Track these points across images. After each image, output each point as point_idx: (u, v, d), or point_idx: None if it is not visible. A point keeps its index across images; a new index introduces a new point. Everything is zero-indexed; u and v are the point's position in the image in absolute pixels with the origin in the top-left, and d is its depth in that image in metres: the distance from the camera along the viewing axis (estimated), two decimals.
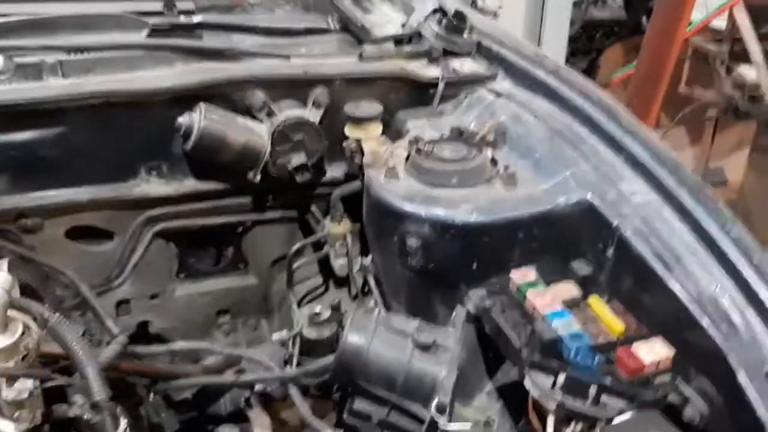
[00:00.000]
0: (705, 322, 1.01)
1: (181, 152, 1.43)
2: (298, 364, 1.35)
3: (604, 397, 1.02)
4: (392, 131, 1.58)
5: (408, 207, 1.24)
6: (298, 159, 1.44)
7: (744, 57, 3.01)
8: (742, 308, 1.00)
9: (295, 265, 1.53)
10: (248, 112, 1.44)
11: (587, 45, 4.38)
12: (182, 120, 1.36)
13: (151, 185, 1.46)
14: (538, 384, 1.05)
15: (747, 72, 2.92)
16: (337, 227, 1.55)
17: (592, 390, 1.01)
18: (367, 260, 1.46)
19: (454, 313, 1.25)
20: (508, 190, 1.28)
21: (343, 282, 1.58)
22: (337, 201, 1.55)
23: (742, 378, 0.94)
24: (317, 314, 1.37)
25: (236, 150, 1.39)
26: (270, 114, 1.43)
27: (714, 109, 3.26)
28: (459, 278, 1.26)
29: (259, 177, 1.43)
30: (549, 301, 1.13)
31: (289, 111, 1.44)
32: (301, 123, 1.44)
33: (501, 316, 1.17)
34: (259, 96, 1.43)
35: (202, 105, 1.37)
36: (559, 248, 1.25)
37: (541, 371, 1.06)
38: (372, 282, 1.44)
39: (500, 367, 1.31)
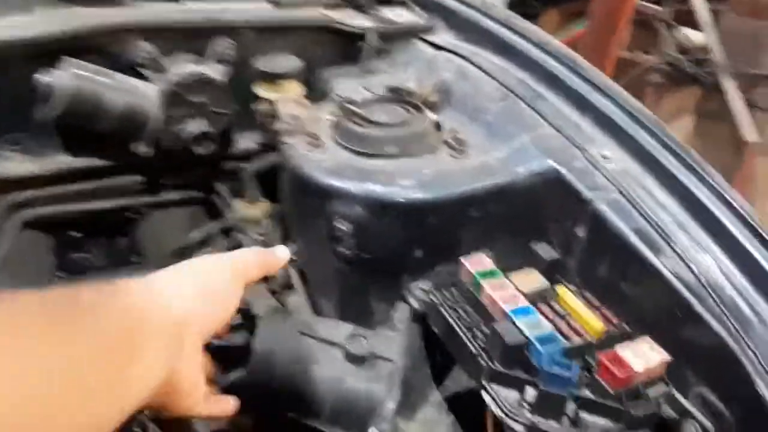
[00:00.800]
0: (707, 315, 0.81)
1: (48, 121, 1.14)
2: None
3: (583, 415, 0.82)
4: (315, 93, 1.33)
5: (336, 183, 1.00)
6: (197, 126, 1.17)
7: (688, 19, 2.88)
8: (754, 297, 0.81)
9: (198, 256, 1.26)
10: (132, 69, 1.16)
11: (522, 10, 4.20)
12: (41, 79, 1.06)
13: (11, 163, 1.16)
14: (500, 400, 0.84)
15: (692, 34, 2.79)
16: (251, 209, 1.29)
17: (570, 407, 0.81)
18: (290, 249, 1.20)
19: (394, 311, 1.02)
20: (456, 160, 1.05)
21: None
22: (250, 177, 1.29)
23: (762, 386, 0.74)
24: None
25: (115, 116, 1.10)
26: (160, 70, 1.15)
27: (657, 74, 3.14)
28: (400, 268, 1.03)
29: (147, 149, 1.15)
30: (510, 294, 0.91)
31: (185, 66, 1.17)
32: (201, 81, 1.17)
33: (452, 313, 0.94)
34: (144, 48, 1.15)
35: (67, 60, 1.08)
36: (519, 228, 1.03)
37: (504, 384, 0.85)
38: (295, 276, 1.19)
39: (449, 373, 1.09)
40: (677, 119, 3.12)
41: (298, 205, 1.09)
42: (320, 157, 1.05)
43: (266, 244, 1.24)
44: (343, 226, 0.99)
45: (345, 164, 1.03)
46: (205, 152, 1.17)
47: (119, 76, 1.13)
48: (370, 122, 1.09)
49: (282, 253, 0.87)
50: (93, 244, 1.35)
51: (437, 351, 1.06)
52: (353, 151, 1.05)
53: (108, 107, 1.09)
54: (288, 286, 1.24)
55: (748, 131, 2.80)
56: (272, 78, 1.18)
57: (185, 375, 0.68)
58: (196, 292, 0.70)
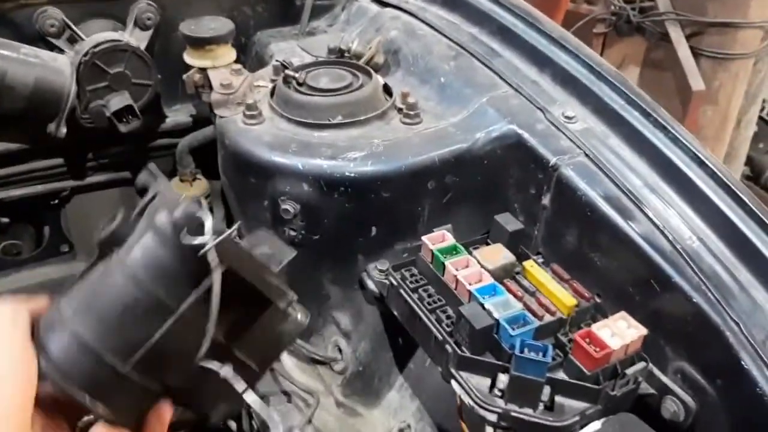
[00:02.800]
0: (684, 284, 0.75)
1: None
2: None
3: (559, 398, 0.76)
4: (251, 59, 1.22)
5: (278, 159, 0.90)
6: (119, 101, 1.05)
7: None
8: (733, 263, 0.76)
9: None
10: (42, 40, 1.03)
11: None
12: None
13: None
14: (471, 387, 0.77)
15: None
16: (188, 189, 1.19)
17: (545, 391, 0.75)
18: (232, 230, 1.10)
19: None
20: (409, 127, 0.96)
21: None
22: (184, 154, 1.18)
23: (746, 358, 0.69)
24: None
25: (23, 94, 0.98)
26: (72, 40, 1.02)
27: (602, 24, 3.08)
28: (354, 249, 0.95)
29: (63, 130, 1.03)
30: (475, 272, 0.84)
31: (101, 34, 1.04)
32: (120, 49, 1.05)
33: (412, 295, 0.87)
34: (53, 15, 1.02)
35: None
36: (480, 199, 0.96)
37: (474, 371, 0.79)
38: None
39: (412, 356, 1.03)
40: (623, 69, 3.09)
41: (238, 184, 0.99)
42: (259, 130, 0.95)
43: None
44: (288, 207, 0.90)
45: (287, 137, 0.93)
46: (129, 129, 1.05)
47: (26, 48, 1.00)
48: (312, 88, 0.99)
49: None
50: (14, 235, 1.22)
51: (398, 335, 1.00)
52: (295, 122, 0.95)
53: (13, 84, 0.96)
54: None
55: (695, 80, 2.79)
56: (201, 43, 1.06)
57: None
58: None
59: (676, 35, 2.79)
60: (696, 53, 2.83)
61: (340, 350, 1.05)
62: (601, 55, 3.11)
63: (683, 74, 2.78)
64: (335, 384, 1.06)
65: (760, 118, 3.25)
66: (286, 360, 1.14)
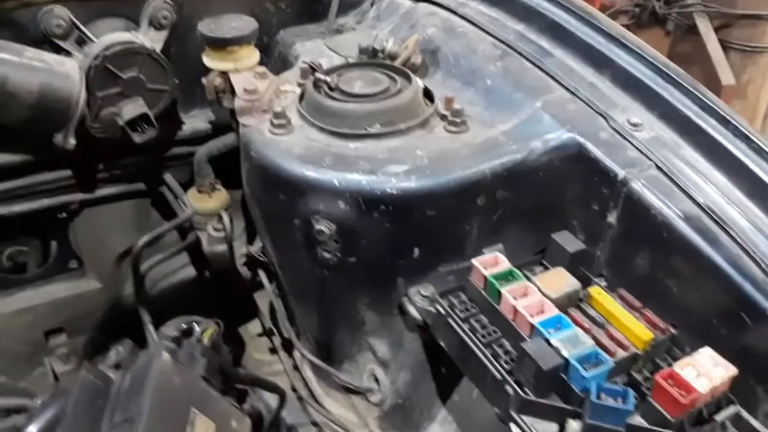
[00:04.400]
0: None
1: None
2: None
3: None
4: (274, 60, 1.13)
5: (310, 173, 0.81)
6: (133, 108, 0.96)
7: None
8: None
9: (147, 263, 1.05)
10: (48, 42, 0.94)
11: None
12: None
13: None
14: None
15: None
16: (206, 201, 1.10)
17: None
18: (255, 247, 1.02)
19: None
20: (455, 136, 0.86)
21: (225, 279, 1.11)
22: (203, 164, 1.09)
23: None
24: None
25: (27, 102, 0.88)
26: (81, 41, 0.93)
27: (624, 16, 2.97)
28: (394, 272, 0.86)
29: (72, 141, 0.94)
30: (536, 302, 0.75)
31: (112, 35, 0.95)
32: (134, 52, 0.95)
33: (463, 325, 0.78)
34: (60, 14, 0.93)
35: None
36: (533, 215, 0.86)
37: (539, 415, 0.70)
38: (265, 278, 1.00)
39: (456, 386, 0.94)
40: None
41: (265, 200, 0.90)
42: (289, 141, 0.85)
43: (226, 242, 1.05)
44: (323, 228, 0.80)
45: (320, 149, 0.84)
46: (144, 139, 0.96)
47: (30, 51, 0.90)
48: (346, 94, 0.89)
49: None
50: (20, 251, 1.13)
51: (441, 364, 0.90)
52: (328, 131, 0.86)
53: (17, 91, 0.87)
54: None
55: (725, 74, 2.68)
56: (222, 44, 0.97)
57: None
58: None
59: (705, 28, 2.68)
60: (725, 46, 2.72)
61: (376, 380, 0.96)
62: None
63: (711, 68, 2.68)
64: (371, 416, 0.97)
65: None
66: (316, 387, 1.05)
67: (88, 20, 0.97)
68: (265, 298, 1.10)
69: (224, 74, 0.98)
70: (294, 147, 0.84)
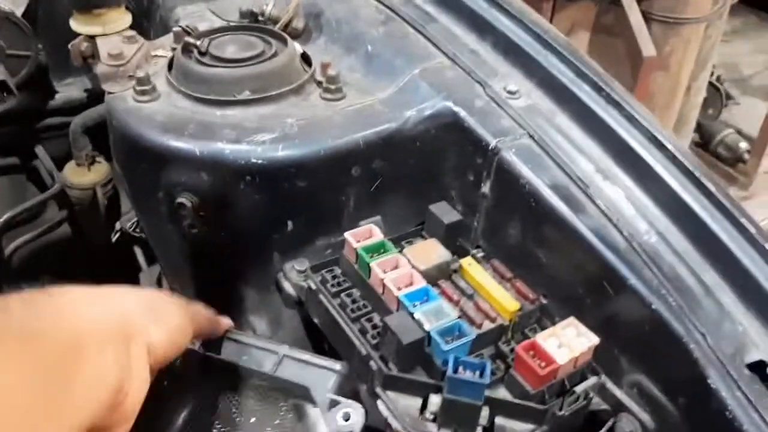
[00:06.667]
0: (641, 286, 0.65)
1: None
2: None
3: (500, 420, 0.66)
4: (155, 25, 1.06)
5: (171, 142, 0.76)
6: None
7: None
8: (699, 263, 0.66)
9: (16, 243, 0.99)
10: None
11: None
12: None
13: None
14: (398, 410, 0.66)
15: None
16: (84, 175, 1.04)
17: (484, 413, 0.64)
18: (127, 219, 0.97)
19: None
20: (330, 104, 0.83)
21: (104, 258, 1.06)
22: (78, 135, 1.03)
23: (713, 375, 0.60)
24: None
25: None
26: None
27: None
28: (268, 246, 0.82)
29: None
30: (405, 274, 0.72)
31: None
32: None
33: (333, 300, 0.75)
34: None
35: None
36: (412, 185, 0.84)
37: (402, 390, 0.68)
38: (141, 256, 0.96)
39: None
40: (573, 36, 2.99)
41: (129, 172, 0.85)
42: (152, 108, 0.81)
43: (100, 218, 1.00)
44: (186, 200, 0.76)
45: (185, 117, 0.79)
46: (4, 108, 0.89)
47: None
48: (216, 59, 0.84)
49: (226, 324, 0.74)
50: None
51: (323, 341, 0.88)
52: (195, 98, 0.81)
53: None
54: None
55: (646, 46, 2.71)
56: (88, 6, 0.90)
57: (132, 398, 0.54)
58: (141, 308, 0.59)
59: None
60: (647, 18, 2.75)
61: None
62: (551, 21, 3.02)
63: (634, 40, 2.71)
64: None
65: (710, 84, 3.21)
66: None
67: None
68: (147, 276, 1.05)
69: (92, 39, 0.91)
70: (157, 114, 0.79)
